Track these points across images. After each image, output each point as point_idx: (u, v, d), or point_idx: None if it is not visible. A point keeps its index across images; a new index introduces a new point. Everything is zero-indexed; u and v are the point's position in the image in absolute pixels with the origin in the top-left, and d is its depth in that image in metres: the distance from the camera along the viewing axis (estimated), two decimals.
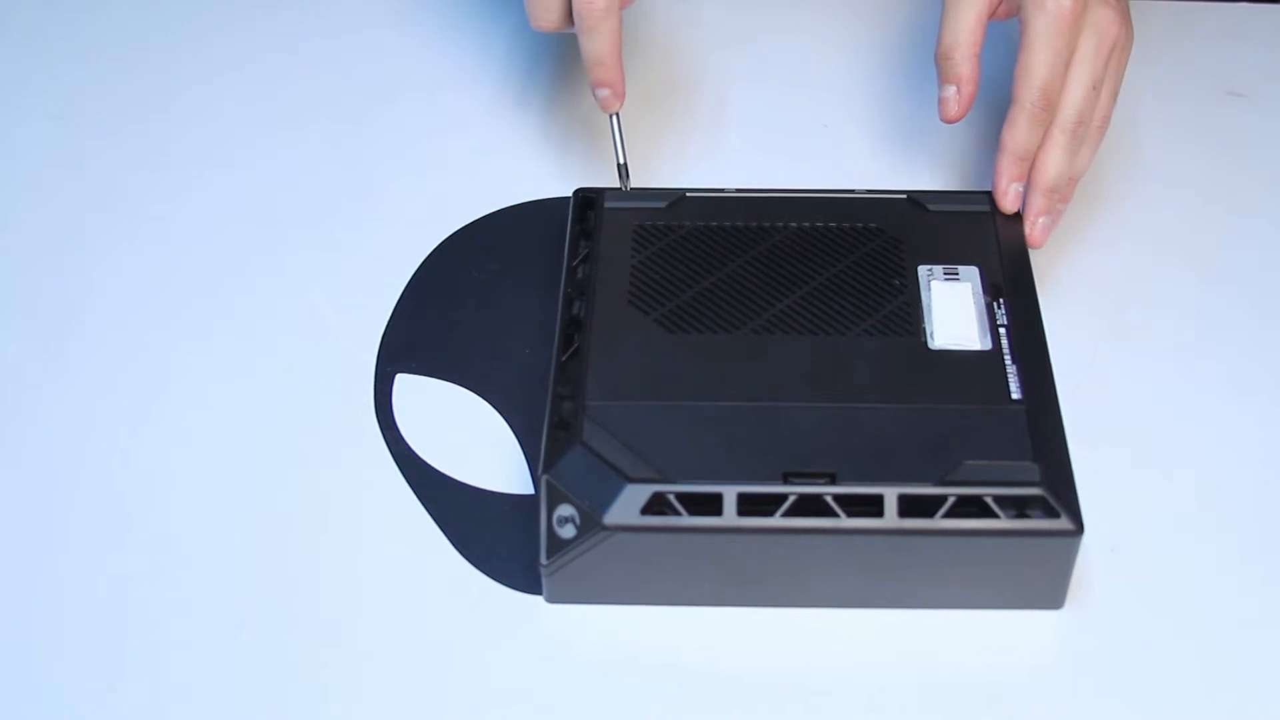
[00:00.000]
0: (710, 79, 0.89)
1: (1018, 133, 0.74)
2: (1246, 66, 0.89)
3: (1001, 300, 0.70)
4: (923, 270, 0.71)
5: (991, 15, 0.76)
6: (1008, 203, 0.75)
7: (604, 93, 0.75)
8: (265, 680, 0.63)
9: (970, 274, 0.71)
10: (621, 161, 0.77)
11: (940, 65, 0.76)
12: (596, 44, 0.73)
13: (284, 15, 0.94)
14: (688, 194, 0.75)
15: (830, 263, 0.71)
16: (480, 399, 0.73)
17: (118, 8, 0.94)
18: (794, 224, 0.73)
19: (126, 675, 0.64)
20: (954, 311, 0.69)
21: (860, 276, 0.71)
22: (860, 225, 0.73)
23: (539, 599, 0.66)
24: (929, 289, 0.70)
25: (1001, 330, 0.68)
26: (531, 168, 0.83)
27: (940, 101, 0.76)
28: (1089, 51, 0.73)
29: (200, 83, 0.90)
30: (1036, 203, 0.75)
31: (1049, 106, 0.73)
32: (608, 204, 0.75)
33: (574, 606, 0.65)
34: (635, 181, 0.76)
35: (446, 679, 0.63)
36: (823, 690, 0.63)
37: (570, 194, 0.76)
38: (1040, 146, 0.74)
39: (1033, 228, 0.75)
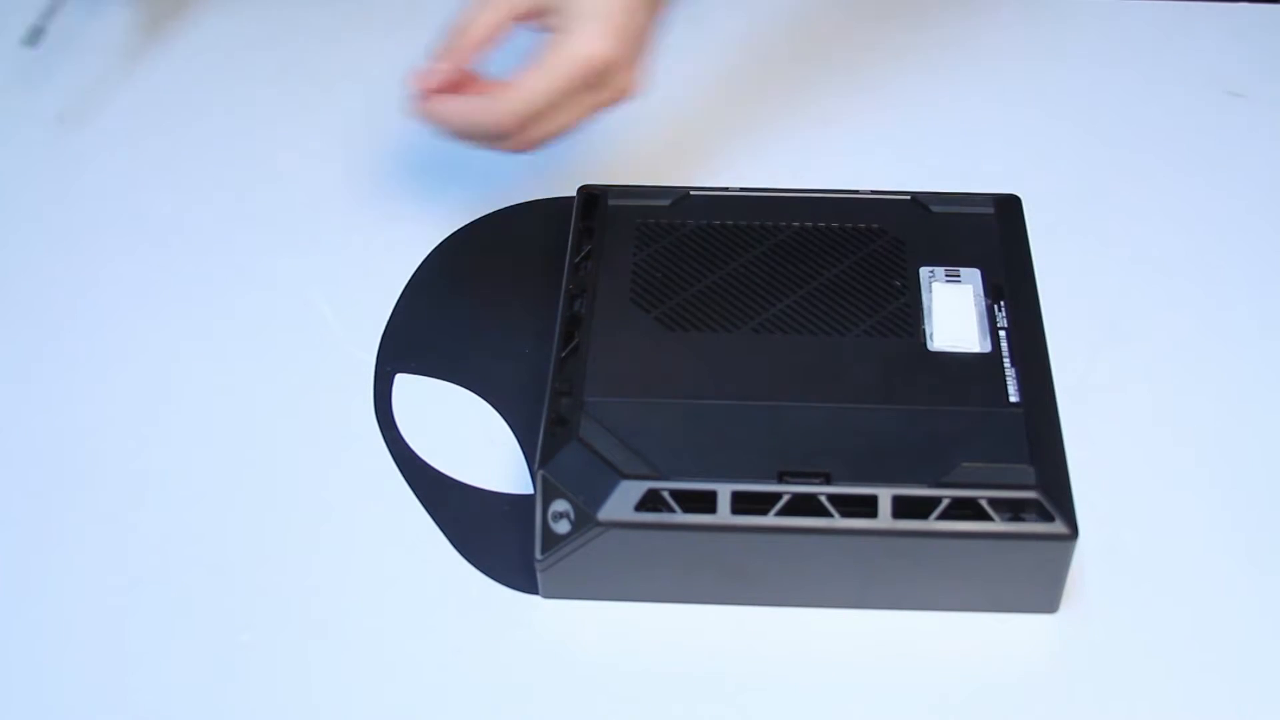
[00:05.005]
0: (714, 78, 0.89)
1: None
2: (1246, 66, 0.89)
3: (1002, 303, 0.69)
4: (924, 271, 0.71)
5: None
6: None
7: None
8: (264, 678, 0.64)
9: (972, 276, 0.71)
10: None
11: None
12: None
13: (285, 15, 0.94)
14: (691, 192, 0.75)
15: (832, 263, 0.71)
16: (480, 399, 0.73)
17: (118, 8, 0.94)
18: (797, 224, 0.73)
19: (127, 674, 0.64)
20: (954, 313, 0.69)
21: (862, 277, 0.71)
22: (863, 226, 0.73)
23: (537, 598, 0.66)
24: (930, 290, 0.70)
25: (1001, 333, 0.68)
26: (532, 168, 0.83)
27: None
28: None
29: (200, 83, 0.90)
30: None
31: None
32: (612, 201, 0.75)
33: (571, 605, 0.65)
34: (639, 179, 0.76)
35: (444, 677, 0.63)
36: (816, 689, 0.63)
37: (572, 193, 0.76)
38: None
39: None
